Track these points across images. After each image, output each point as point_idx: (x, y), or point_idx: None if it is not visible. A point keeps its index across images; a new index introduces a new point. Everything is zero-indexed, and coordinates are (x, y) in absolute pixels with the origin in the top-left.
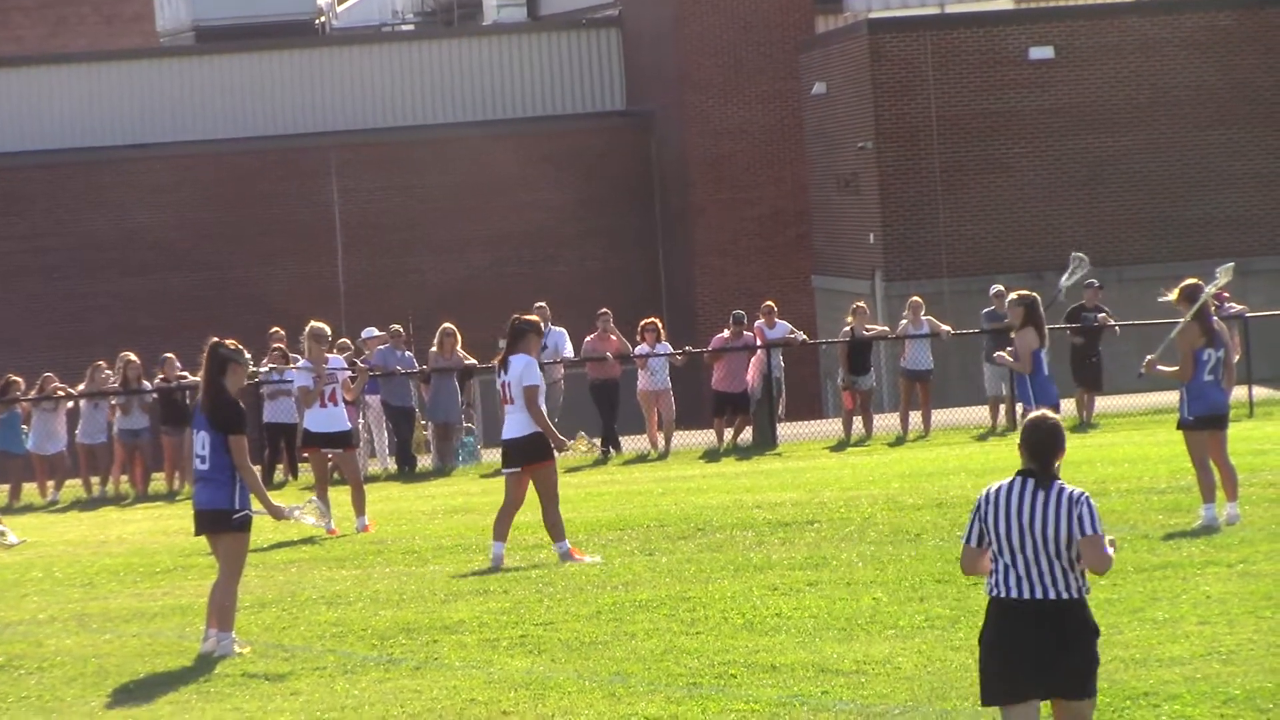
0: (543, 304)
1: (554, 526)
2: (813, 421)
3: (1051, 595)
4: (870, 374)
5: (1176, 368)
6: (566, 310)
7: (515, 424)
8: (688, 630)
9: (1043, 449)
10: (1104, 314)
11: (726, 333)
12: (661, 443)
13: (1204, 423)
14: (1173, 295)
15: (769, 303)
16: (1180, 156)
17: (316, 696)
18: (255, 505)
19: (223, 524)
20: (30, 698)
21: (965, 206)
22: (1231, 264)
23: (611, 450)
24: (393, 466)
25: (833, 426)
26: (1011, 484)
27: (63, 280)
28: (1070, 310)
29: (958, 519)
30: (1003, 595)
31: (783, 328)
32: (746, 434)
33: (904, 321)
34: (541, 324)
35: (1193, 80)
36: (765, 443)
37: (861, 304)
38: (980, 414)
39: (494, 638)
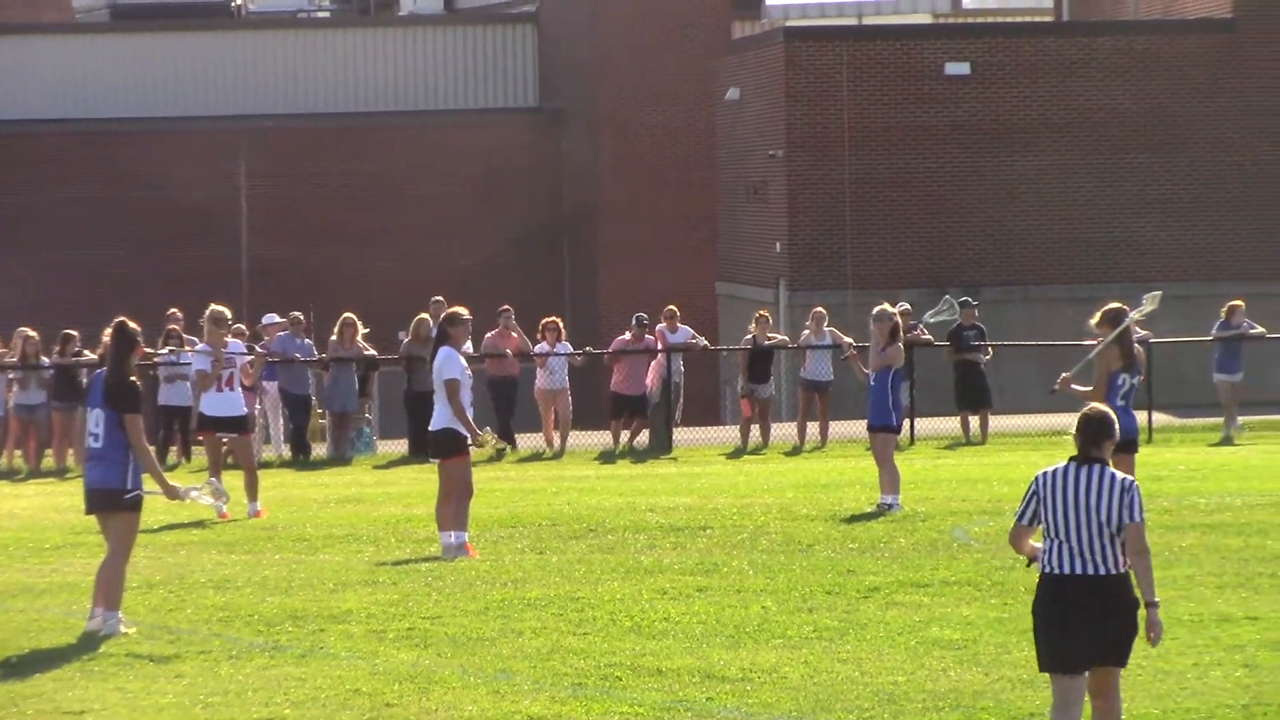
0: (440, 298)
1: (456, 518)
2: (710, 428)
3: (1102, 571)
4: (770, 383)
5: (1090, 388)
6: (469, 305)
7: (436, 417)
8: (575, 630)
9: (1096, 436)
10: (976, 330)
11: (628, 335)
12: (557, 442)
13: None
14: (1094, 318)
15: (672, 307)
16: (1091, 179)
17: (200, 680)
18: (148, 485)
19: (114, 503)
20: None
21: (873, 219)
22: (1159, 292)
23: (508, 447)
24: (288, 453)
25: (730, 433)
26: (1066, 468)
27: None
28: (950, 331)
29: (850, 531)
30: (1057, 571)
31: (684, 332)
32: (643, 437)
33: (806, 332)
34: (468, 318)
35: (1107, 103)
36: (661, 447)
37: (764, 312)
38: None
39: (381, 629)
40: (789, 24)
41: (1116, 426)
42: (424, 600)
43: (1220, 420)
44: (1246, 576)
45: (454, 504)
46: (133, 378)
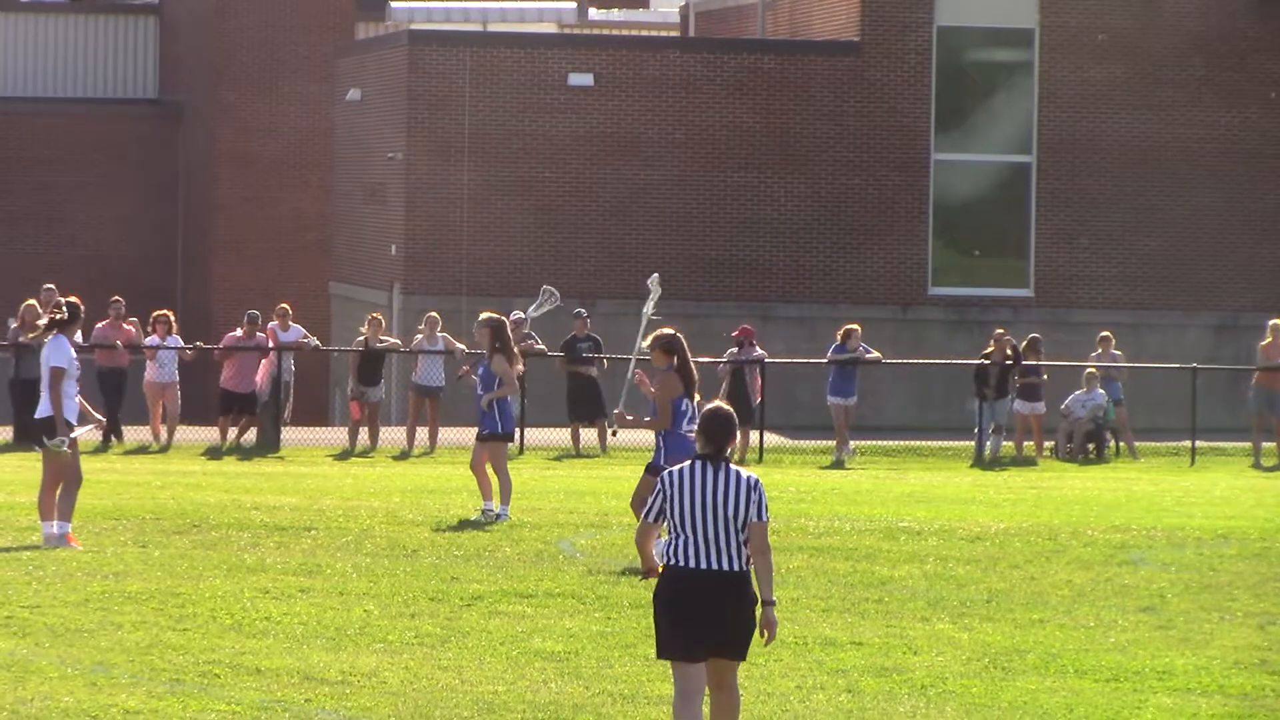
0: (51, 286)
1: (61, 507)
2: (319, 428)
3: (726, 566)
4: (380, 386)
5: (654, 419)
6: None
7: (43, 404)
8: (175, 626)
9: (719, 434)
10: (591, 342)
11: (239, 331)
12: (164, 435)
13: None
14: (646, 342)
15: (284, 305)
16: (710, 196)
17: None
18: None
19: None
20: None
21: (490, 226)
22: (656, 275)
23: (114, 439)
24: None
25: (339, 435)
26: (694, 466)
27: None
28: (564, 341)
29: (456, 538)
30: (681, 564)
31: (296, 331)
32: (251, 435)
33: (419, 336)
34: (80, 308)
35: (730, 121)
36: (269, 445)
37: (377, 315)
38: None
39: None
40: (413, 27)
41: (736, 424)
42: (23, 589)
43: (833, 443)
44: (852, 601)
45: (59, 493)
46: None
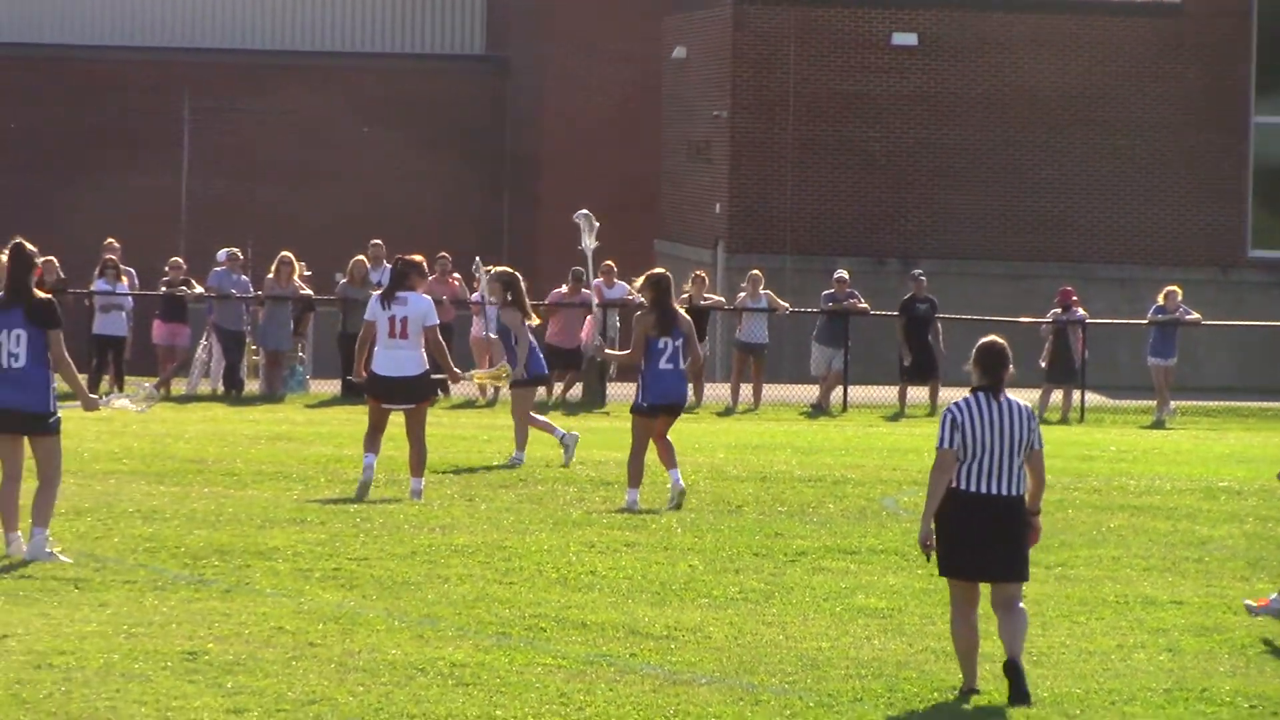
0: (378, 241)
1: (420, 463)
2: None
3: (1009, 491)
4: (704, 343)
5: (626, 351)
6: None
7: (409, 361)
8: (501, 579)
9: (994, 367)
10: (929, 304)
11: (565, 288)
12: (491, 391)
13: (657, 410)
14: (638, 282)
15: (609, 263)
16: (1032, 156)
17: (125, 610)
18: (62, 403)
19: (40, 427)
20: None
21: (814, 185)
22: (585, 210)
23: (440, 394)
24: (221, 388)
25: (722, 390)
26: (976, 398)
27: None
28: (902, 302)
29: (780, 494)
30: (967, 489)
31: (621, 288)
32: (576, 390)
33: (742, 294)
34: (423, 264)
35: (1052, 80)
36: (594, 400)
37: (701, 273)
38: (810, 392)
39: (307, 568)
40: None
41: (1009, 357)
42: (351, 541)
43: (1153, 404)
44: (1173, 560)
45: (419, 449)
46: (47, 294)
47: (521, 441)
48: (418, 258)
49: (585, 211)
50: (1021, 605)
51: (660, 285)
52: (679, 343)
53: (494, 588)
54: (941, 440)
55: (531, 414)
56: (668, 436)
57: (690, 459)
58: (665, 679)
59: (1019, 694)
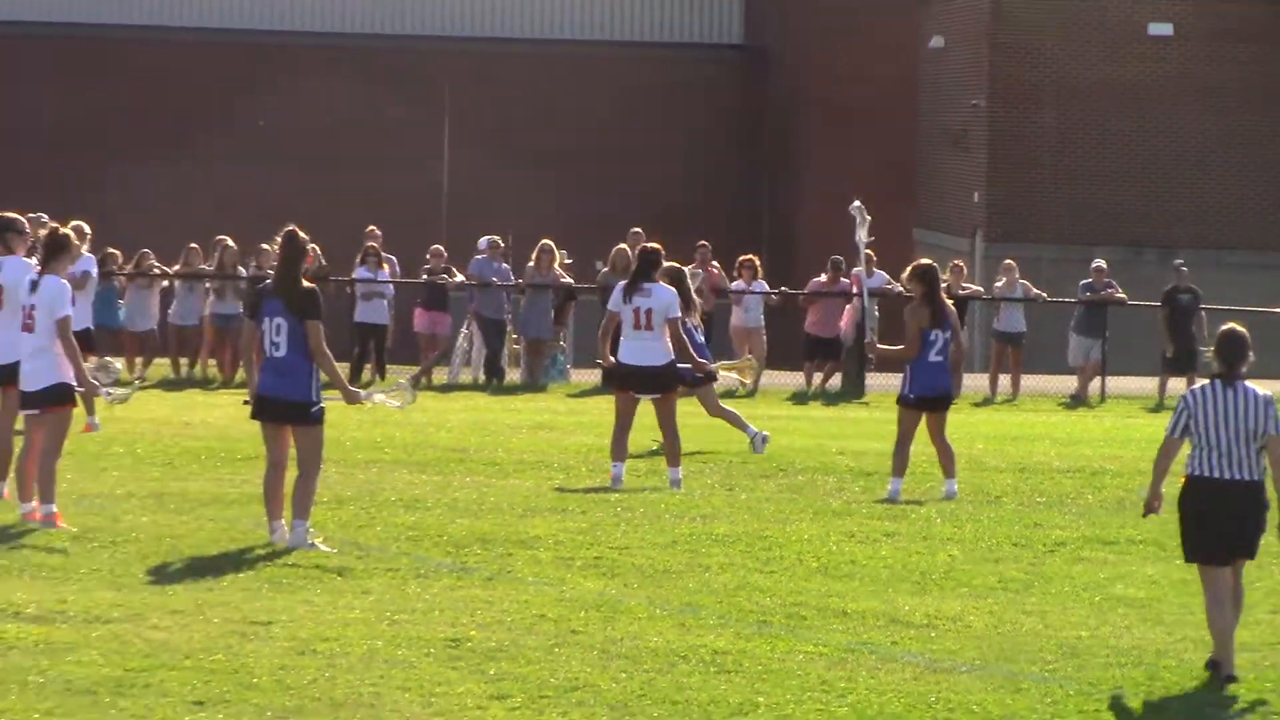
0: (638, 230)
1: (675, 453)
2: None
3: (1245, 476)
4: (963, 333)
5: (902, 347)
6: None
7: (652, 352)
8: (762, 568)
9: (1233, 355)
10: (1191, 295)
11: (824, 277)
12: (751, 380)
13: (924, 403)
14: (905, 273)
15: (868, 251)
16: None
17: (388, 597)
18: (326, 395)
19: (302, 416)
20: (102, 571)
21: (1071, 174)
22: (857, 201)
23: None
24: (482, 377)
25: (980, 381)
26: (1212, 386)
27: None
28: (1164, 293)
29: (1039, 485)
30: (1205, 475)
31: (880, 277)
32: (836, 380)
33: (999, 283)
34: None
35: None
36: (853, 391)
37: (959, 262)
38: (1068, 383)
39: (569, 556)
40: None
41: (1249, 345)
42: (612, 530)
43: None
44: None
45: (672, 438)
46: (311, 285)
47: (741, 424)
48: (657, 246)
49: (859, 204)
50: (1241, 583)
51: (929, 277)
52: (947, 334)
53: (755, 576)
54: (1170, 427)
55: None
56: (946, 438)
57: None
58: (926, 666)
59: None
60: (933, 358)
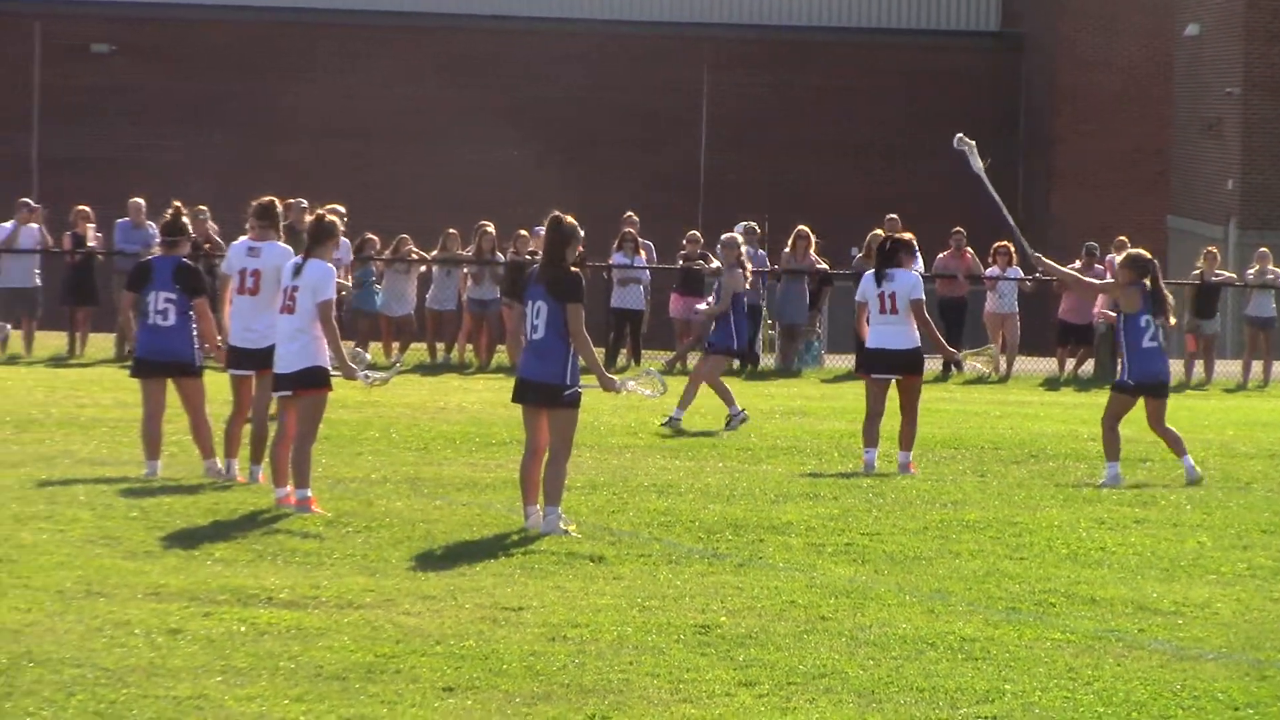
0: (894, 216)
1: (910, 437)
2: None
3: None
4: (1215, 319)
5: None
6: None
7: (899, 336)
8: (1012, 555)
9: None
10: None
11: (1078, 263)
12: (1004, 366)
13: (1144, 389)
14: (1120, 257)
15: (1122, 238)
16: None
17: (639, 583)
18: (584, 380)
19: (553, 399)
20: (355, 555)
21: None
22: (960, 134)
23: (953, 369)
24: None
25: (1174, 367)
26: None
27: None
28: None
29: None
30: None
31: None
32: (1088, 366)
33: (1251, 271)
34: (913, 242)
35: None
36: (1106, 376)
37: (1213, 249)
38: None
39: (819, 543)
40: None
41: None
42: (863, 516)
43: None
44: None
45: (912, 420)
46: (574, 269)
47: (685, 402)
48: (907, 235)
49: (960, 135)
50: None
51: (1139, 264)
52: (1159, 321)
53: (1004, 563)
54: None
55: (720, 380)
56: (1167, 424)
57: (1199, 436)
58: (1173, 654)
59: None
60: (1147, 343)
